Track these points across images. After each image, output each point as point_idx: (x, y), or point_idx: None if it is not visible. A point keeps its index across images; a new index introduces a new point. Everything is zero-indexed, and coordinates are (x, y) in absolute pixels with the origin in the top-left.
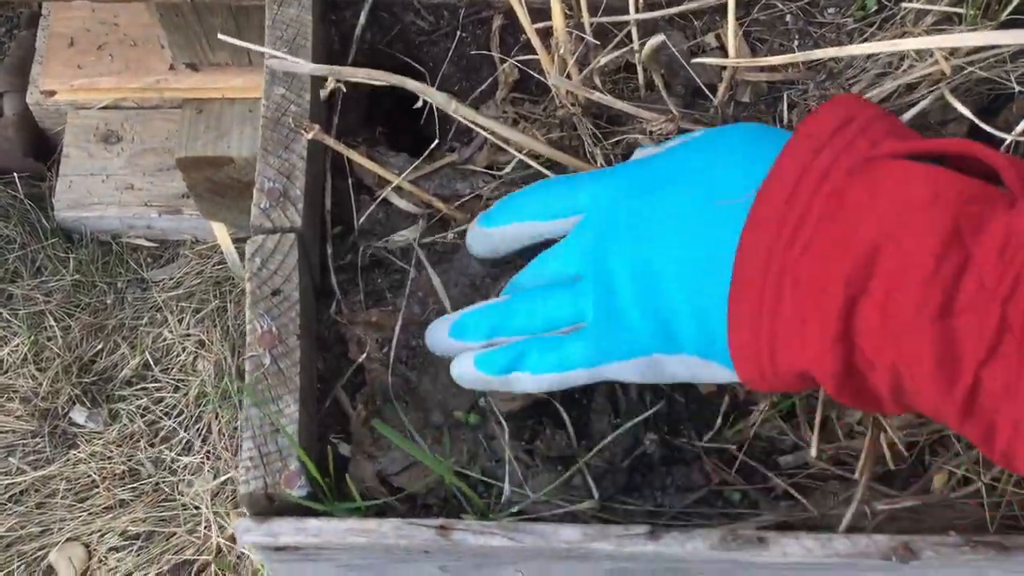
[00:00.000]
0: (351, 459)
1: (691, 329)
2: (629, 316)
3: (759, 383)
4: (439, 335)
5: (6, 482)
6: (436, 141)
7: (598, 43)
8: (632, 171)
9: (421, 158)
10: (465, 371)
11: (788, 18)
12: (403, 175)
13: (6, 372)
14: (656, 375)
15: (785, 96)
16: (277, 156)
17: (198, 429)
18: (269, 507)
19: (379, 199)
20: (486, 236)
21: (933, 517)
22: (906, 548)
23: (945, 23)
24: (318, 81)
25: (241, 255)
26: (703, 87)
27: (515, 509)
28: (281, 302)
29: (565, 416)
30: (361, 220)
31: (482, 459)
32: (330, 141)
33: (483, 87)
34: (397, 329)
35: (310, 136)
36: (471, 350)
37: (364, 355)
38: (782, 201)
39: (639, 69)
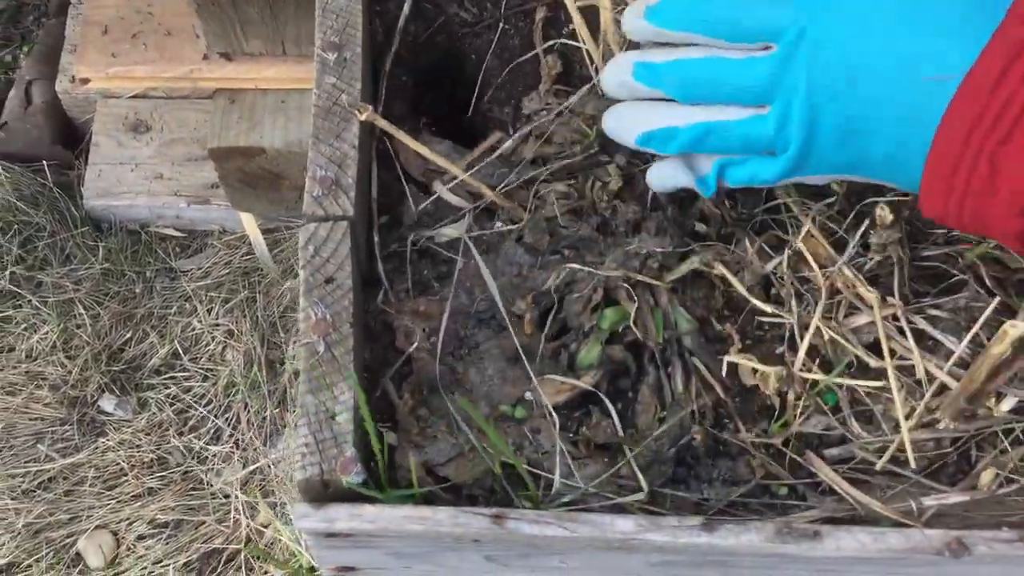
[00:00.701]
0: (397, 448)
1: (887, 179)
2: (828, 155)
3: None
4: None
5: (35, 469)
6: (498, 135)
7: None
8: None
9: (480, 149)
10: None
11: None
12: (460, 167)
13: (35, 360)
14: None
15: None
16: (329, 144)
17: (227, 418)
18: (324, 493)
19: (431, 192)
20: (643, 30)
21: (981, 514)
22: (959, 543)
23: None
24: (369, 70)
25: (270, 246)
26: None
27: (567, 499)
28: (334, 290)
29: (611, 408)
30: (410, 210)
31: (527, 451)
32: (383, 123)
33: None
34: (445, 319)
35: (363, 118)
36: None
37: (414, 345)
38: (988, 87)
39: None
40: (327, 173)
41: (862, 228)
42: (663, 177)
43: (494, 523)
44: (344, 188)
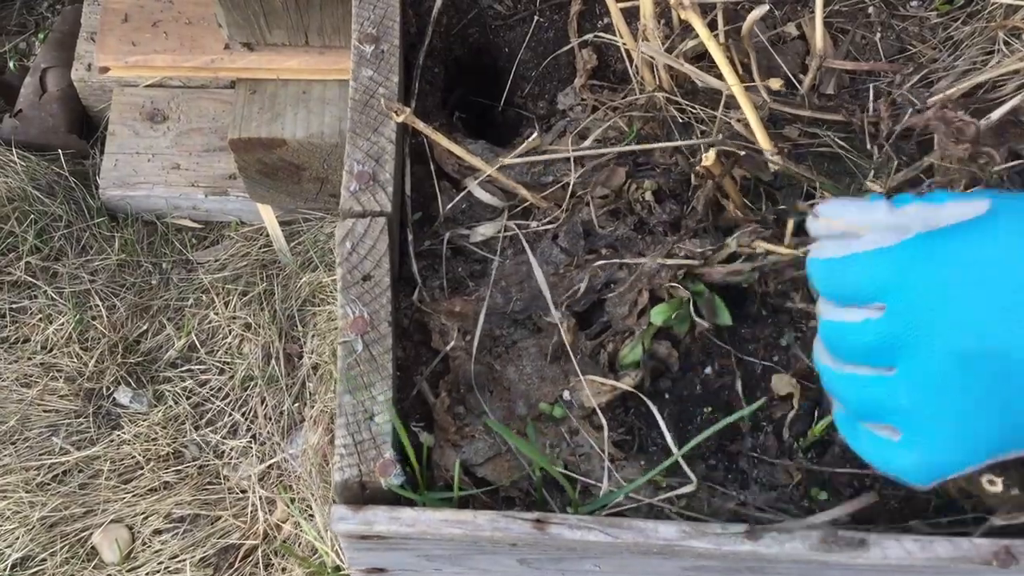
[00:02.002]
0: (435, 447)
1: None
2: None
3: None
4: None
5: (50, 462)
6: (534, 133)
7: (683, 26)
8: (937, 255)
9: (517, 152)
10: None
11: (871, 10)
12: (495, 166)
13: (51, 351)
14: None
15: (871, 88)
16: (366, 139)
17: (244, 412)
18: (361, 495)
19: (464, 189)
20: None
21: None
22: (1008, 552)
23: None
24: (403, 63)
25: (288, 238)
26: (789, 76)
27: (618, 499)
28: (372, 287)
29: (654, 409)
30: (445, 208)
31: (564, 452)
32: (420, 125)
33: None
34: (481, 318)
35: (400, 119)
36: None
37: (450, 345)
38: None
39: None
40: (365, 168)
41: None
42: None
43: (535, 528)
44: (382, 184)
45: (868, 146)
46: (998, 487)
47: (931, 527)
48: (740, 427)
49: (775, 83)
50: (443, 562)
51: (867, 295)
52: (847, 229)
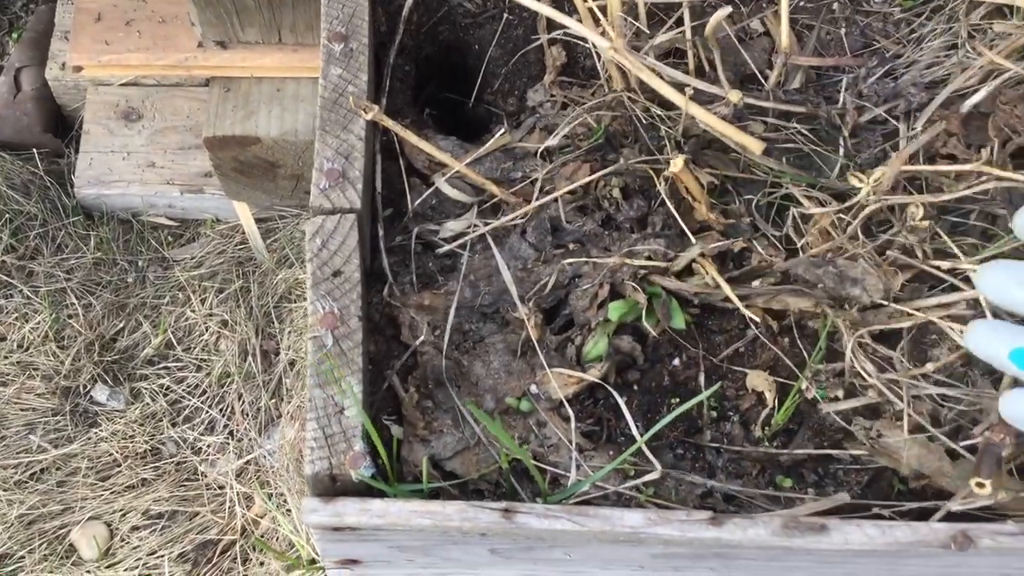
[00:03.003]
0: (404, 442)
1: None
2: None
3: None
4: (994, 340)
5: (27, 460)
6: (503, 129)
7: (647, 32)
8: None
9: (486, 149)
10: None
11: (835, 5)
12: (463, 162)
13: (27, 350)
14: None
15: (844, 79)
16: (336, 137)
17: (221, 409)
18: (332, 487)
19: (433, 184)
20: None
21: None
22: (964, 536)
23: (996, 15)
24: (373, 61)
25: (264, 235)
26: (756, 72)
27: (584, 488)
28: (342, 283)
29: (620, 400)
30: (415, 204)
31: (533, 444)
32: (389, 123)
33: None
34: (452, 313)
35: (369, 117)
36: None
37: (420, 339)
38: None
39: (690, 54)
40: (334, 165)
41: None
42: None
43: (503, 517)
44: (351, 181)
45: (841, 136)
46: (987, 490)
47: (893, 512)
48: (704, 417)
49: (734, 96)
50: (415, 553)
51: None
52: None
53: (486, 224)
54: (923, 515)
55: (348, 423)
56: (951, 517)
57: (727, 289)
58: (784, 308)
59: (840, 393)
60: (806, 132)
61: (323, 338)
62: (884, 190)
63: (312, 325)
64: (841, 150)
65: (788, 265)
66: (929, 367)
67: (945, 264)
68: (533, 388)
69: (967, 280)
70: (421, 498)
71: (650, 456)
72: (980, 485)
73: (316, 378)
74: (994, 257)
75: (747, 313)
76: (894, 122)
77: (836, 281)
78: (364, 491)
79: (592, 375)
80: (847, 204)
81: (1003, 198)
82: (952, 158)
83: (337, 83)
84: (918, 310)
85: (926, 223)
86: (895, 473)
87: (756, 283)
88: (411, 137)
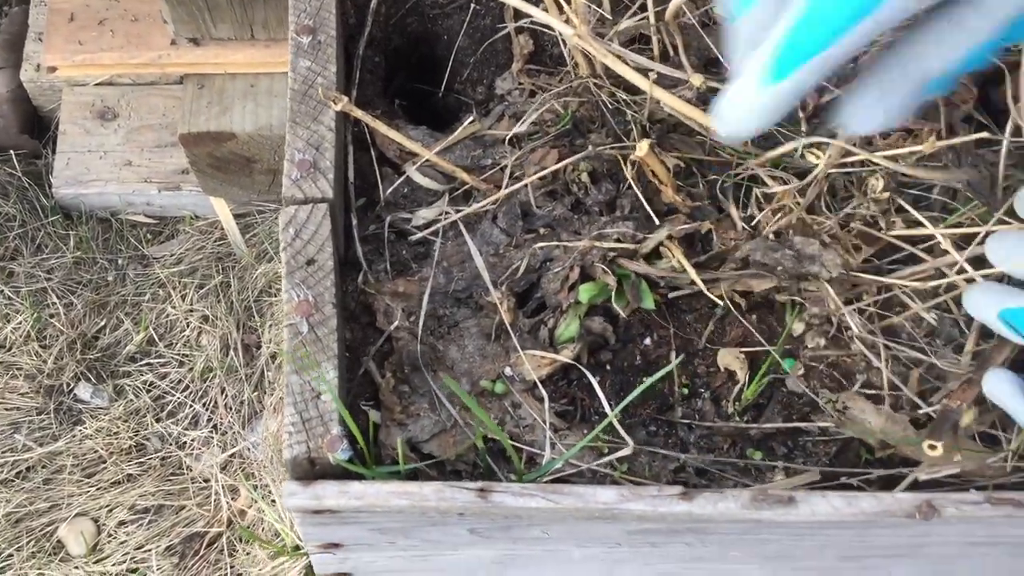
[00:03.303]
0: (381, 426)
1: None
2: None
3: None
4: (986, 301)
5: (13, 459)
6: (472, 118)
7: (611, 19)
8: None
9: (455, 136)
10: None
11: None
12: (433, 150)
13: (10, 350)
14: None
15: None
16: (306, 128)
17: (204, 403)
18: (311, 471)
19: (404, 173)
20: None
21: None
22: (929, 506)
23: None
24: (342, 53)
25: (242, 230)
26: (719, 56)
27: (557, 466)
28: (316, 271)
29: (593, 379)
30: (386, 193)
31: (509, 425)
32: (359, 113)
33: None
34: (425, 298)
35: (338, 108)
36: None
37: (394, 324)
38: None
39: (655, 40)
40: (305, 156)
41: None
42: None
43: (479, 497)
44: (322, 171)
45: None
46: (938, 451)
47: (860, 481)
48: (676, 395)
49: (696, 79)
50: (396, 535)
51: None
52: None
53: (458, 211)
54: (891, 483)
55: (325, 407)
56: (919, 486)
57: (692, 273)
58: (748, 290)
59: (822, 341)
60: None
61: (298, 325)
62: (834, 163)
63: (287, 313)
64: (804, 129)
65: (746, 251)
66: (896, 319)
67: (907, 232)
68: (507, 370)
69: (930, 251)
70: (399, 480)
71: (622, 432)
72: (932, 447)
73: (292, 364)
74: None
75: (712, 297)
76: None
77: (794, 261)
78: (343, 474)
79: (565, 356)
80: (806, 180)
81: (951, 160)
82: (908, 131)
83: (306, 75)
84: (882, 283)
85: (886, 195)
86: (862, 443)
87: (721, 268)
88: (381, 127)
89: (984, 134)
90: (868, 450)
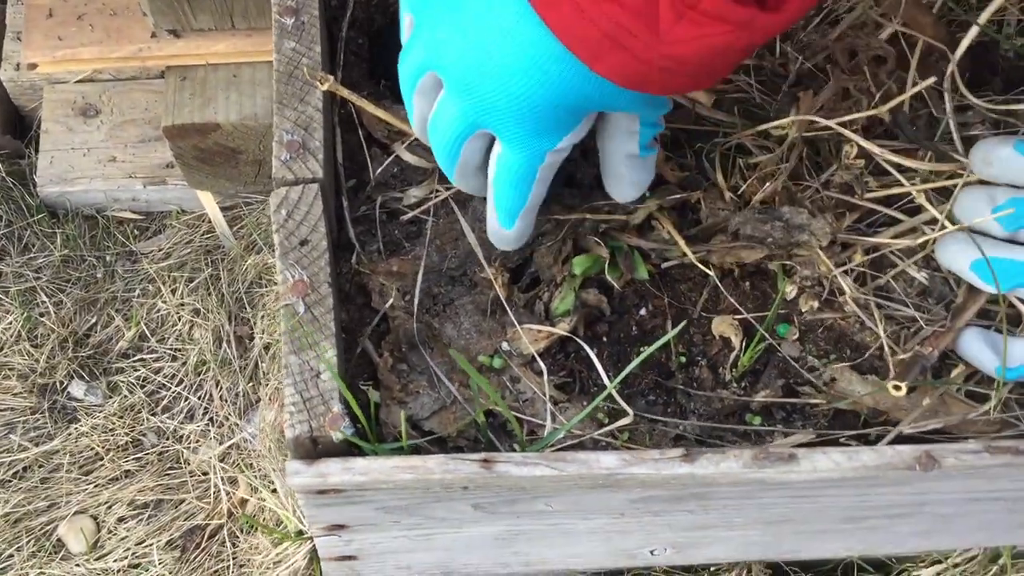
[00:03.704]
0: (381, 405)
1: None
2: None
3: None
4: (958, 253)
5: (9, 459)
6: None
7: None
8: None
9: None
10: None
11: None
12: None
13: (1, 350)
14: None
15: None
16: (293, 109)
17: (199, 396)
18: (313, 450)
19: (393, 153)
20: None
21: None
22: (929, 457)
23: None
24: (326, 35)
25: (230, 222)
26: None
27: (559, 436)
28: (310, 251)
29: (590, 351)
30: (376, 173)
31: (508, 400)
32: (345, 93)
33: None
34: (419, 277)
35: (325, 87)
36: None
37: (389, 303)
38: None
39: None
40: (294, 137)
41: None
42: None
43: (483, 467)
44: (312, 151)
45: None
46: (902, 391)
47: (858, 442)
48: (673, 363)
49: None
50: (400, 514)
51: None
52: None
53: (448, 189)
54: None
55: (325, 386)
56: (911, 442)
57: (684, 246)
58: (740, 260)
59: (815, 304)
60: (753, 83)
61: (295, 306)
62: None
63: (283, 294)
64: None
65: (736, 225)
66: (885, 279)
67: (883, 193)
68: (504, 345)
69: (910, 212)
70: (402, 455)
71: (621, 402)
72: (896, 388)
73: (291, 344)
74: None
75: (703, 269)
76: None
77: (784, 232)
78: (345, 452)
79: (561, 329)
80: (783, 147)
81: (892, 122)
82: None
83: (291, 56)
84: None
85: (860, 161)
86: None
87: (712, 241)
88: (368, 106)
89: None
90: (858, 413)
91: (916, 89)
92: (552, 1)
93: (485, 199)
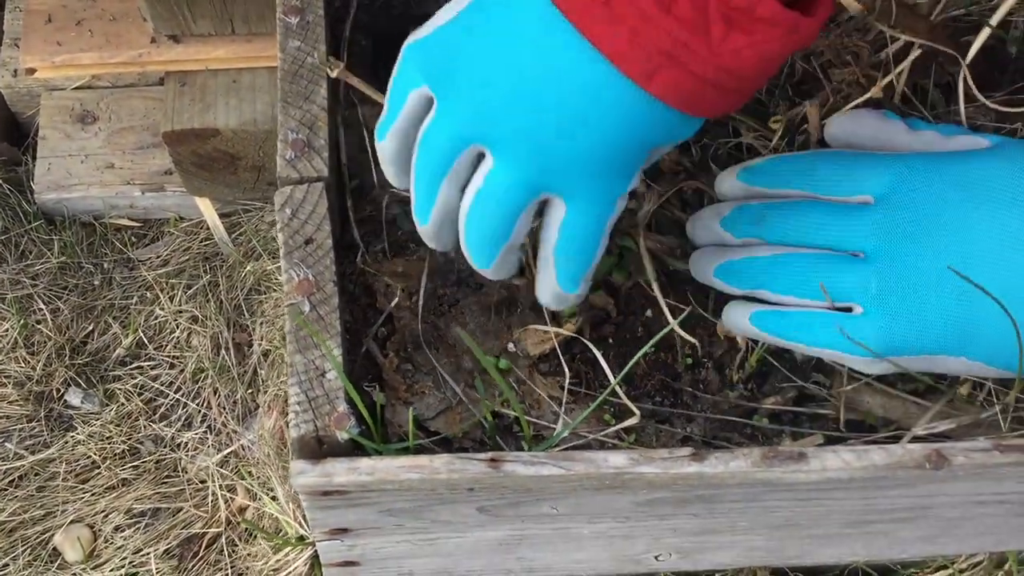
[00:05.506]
0: (387, 406)
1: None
2: (926, 313)
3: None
4: (704, 264)
5: (4, 467)
6: None
7: None
8: (934, 167)
9: None
10: (738, 322)
11: None
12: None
13: None
14: (927, 368)
15: None
16: (298, 107)
17: (198, 404)
18: (318, 450)
19: None
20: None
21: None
22: (939, 455)
23: None
24: (330, 36)
25: (228, 229)
26: None
27: (565, 434)
28: (315, 250)
29: (596, 352)
30: (380, 173)
31: (514, 401)
32: (355, 80)
33: None
34: (424, 277)
35: (335, 74)
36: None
37: (393, 303)
38: None
39: None
40: (299, 136)
41: None
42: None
43: (490, 467)
44: (317, 150)
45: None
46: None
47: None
48: (679, 364)
49: None
50: (405, 517)
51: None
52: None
53: None
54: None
55: (330, 385)
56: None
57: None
58: None
59: None
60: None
61: (300, 305)
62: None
63: (288, 293)
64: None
65: None
66: None
67: None
68: (510, 346)
69: None
70: (408, 455)
71: (627, 401)
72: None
73: (296, 343)
74: None
75: None
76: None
77: None
78: (350, 453)
79: (568, 330)
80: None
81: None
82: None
83: (296, 55)
84: None
85: None
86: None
87: None
88: (376, 95)
89: None
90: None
91: (903, 78)
92: (606, 29)
93: None
